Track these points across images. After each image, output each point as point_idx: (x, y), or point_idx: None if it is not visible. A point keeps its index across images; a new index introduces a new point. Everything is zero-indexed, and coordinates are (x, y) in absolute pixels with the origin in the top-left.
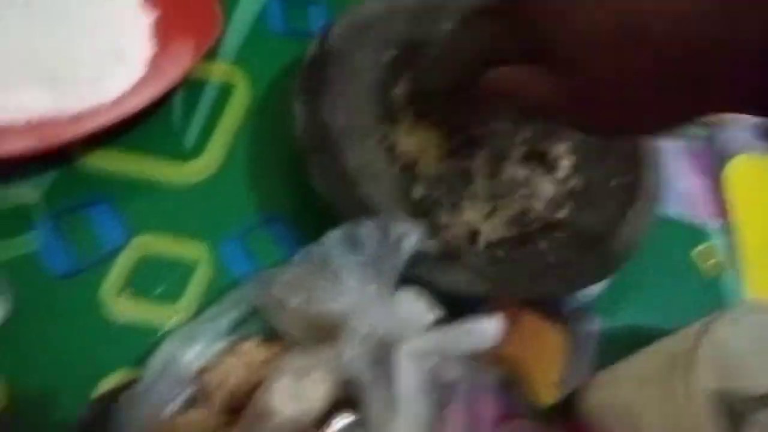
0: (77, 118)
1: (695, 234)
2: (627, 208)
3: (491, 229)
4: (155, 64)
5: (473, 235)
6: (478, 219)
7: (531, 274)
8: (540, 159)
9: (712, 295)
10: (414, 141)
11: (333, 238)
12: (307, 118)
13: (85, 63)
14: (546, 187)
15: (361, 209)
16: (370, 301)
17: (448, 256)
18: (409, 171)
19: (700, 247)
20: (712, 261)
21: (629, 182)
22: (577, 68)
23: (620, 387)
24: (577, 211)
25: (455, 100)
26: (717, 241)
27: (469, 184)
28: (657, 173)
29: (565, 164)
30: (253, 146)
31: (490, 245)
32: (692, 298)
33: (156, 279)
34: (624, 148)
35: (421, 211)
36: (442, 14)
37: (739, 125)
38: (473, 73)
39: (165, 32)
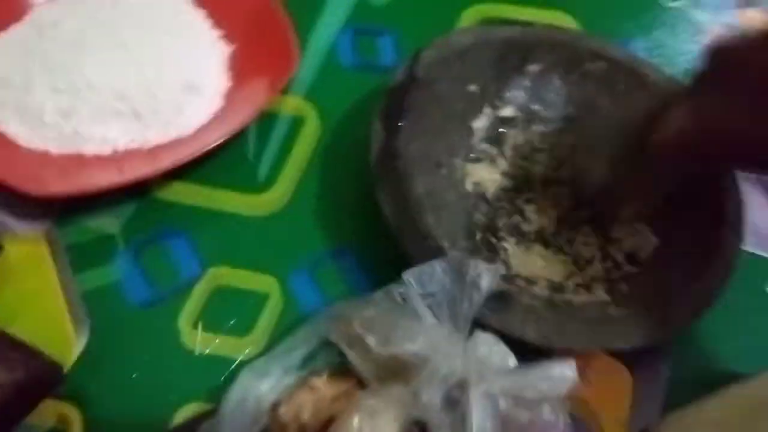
0: (157, 151)
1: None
2: (703, 266)
3: (550, 272)
4: (232, 97)
5: (530, 275)
6: (538, 259)
7: (590, 325)
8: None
9: None
10: (488, 170)
11: (411, 276)
12: (383, 143)
13: (166, 96)
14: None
15: (423, 238)
16: (445, 344)
17: (504, 295)
18: (476, 201)
19: None
20: None
21: (709, 239)
22: None
23: (695, 431)
24: (650, 266)
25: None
26: None
27: (534, 221)
28: (738, 229)
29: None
30: (323, 179)
31: (550, 289)
32: None
33: (229, 311)
34: (707, 200)
35: (483, 244)
36: (529, 51)
37: None
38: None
39: (240, 66)
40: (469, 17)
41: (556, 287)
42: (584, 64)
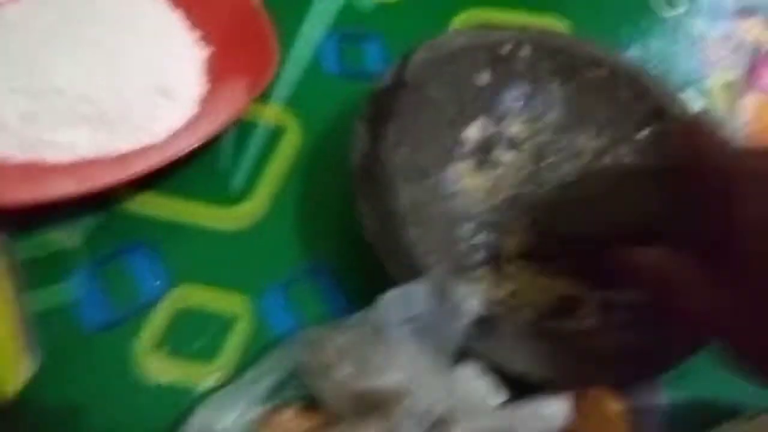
0: (123, 159)
1: None
2: None
3: (536, 294)
4: (207, 102)
5: (515, 298)
6: (524, 279)
7: (581, 355)
8: None
9: None
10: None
11: (388, 300)
12: (366, 149)
13: (135, 101)
14: None
15: (405, 255)
16: (426, 375)
17: (490, 320)
18: (462, 216)
19: None
20: None
21: None
22: (760, 271)
23: None
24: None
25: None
26: None
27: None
28: None
29: None
30: (302, 192)
31: (538, 315)
32: None
33: (194, 334)
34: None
35: (470, 264)
36: (526, 55)
37: None
38: (615, 236)
39: (218, 70)
40: (460, 22)
41: (544, 312)
42: (584, 71)
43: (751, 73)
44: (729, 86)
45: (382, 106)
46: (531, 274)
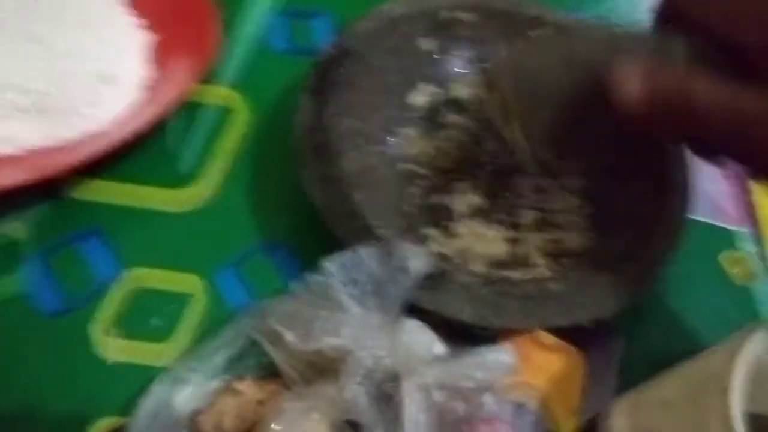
0: (68, 147)
1: (723, 238)
2: (649, 233)
3: (487, 248)
4: (150, 87)
5: (465, 253)
6: (474, 236)
7: (528, 301)
8: (556, 176)
9: (743, 306)
10: (423, 147)
11: (332, 264)
12: (311, 118)
13: (76, 89)
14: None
15: (352, 218)
16: (372, 332)
17: (437, 275)
18: (409, 179)
19: (729, 253)
20: (742, 268)
21: (654, 205)
22: None
23: (646, 413)
24: (592, 237)
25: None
26: (747, 247)
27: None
28: (685, 194)
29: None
30: (252, 171)
31: (488, 266)
32: (722, 309)
33: (148, 314)
34: (651, 169)
35: (417, 224)
36: (467, 19)
37: None
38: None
39: (161, 54)
40: None
41: (494, 264)
42: (527, 31)
43: None
44: None
45: (325, 76)
46: (479, 231)
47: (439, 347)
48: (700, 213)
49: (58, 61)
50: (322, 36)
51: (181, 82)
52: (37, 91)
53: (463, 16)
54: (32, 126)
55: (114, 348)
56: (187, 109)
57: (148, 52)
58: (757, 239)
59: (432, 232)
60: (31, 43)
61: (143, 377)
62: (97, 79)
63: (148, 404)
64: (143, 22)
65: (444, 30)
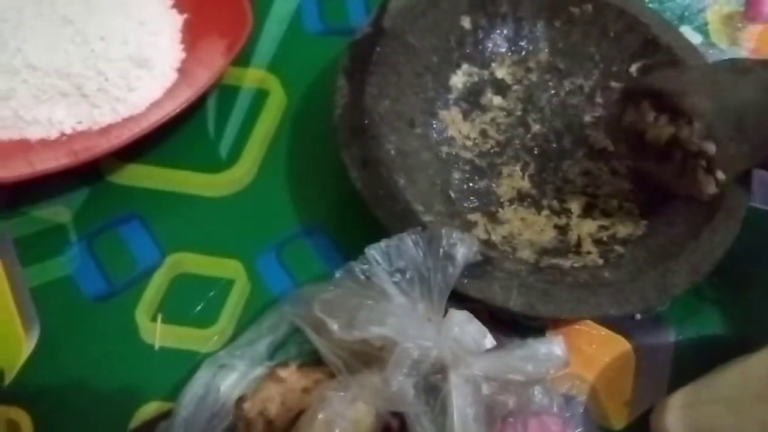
0: (109, 130)
1: None
2: (705, 221)
3: (535, 235)
4: (185, 69)
5: (512, 240)
6: (522, 222)
7: (579, 290)
8: (605, 160)
9: None
10: (466, 130)
11: (376, 251)
12: (348, 100)
13: (114, 73)
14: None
15: (395, 202)
16: (418, 323)
17: (483, 262)
18: (453, 163)
19: None
20: None
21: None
22: None
23: (704, 411)
24: (645, 224)
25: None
26: None
27: (516, 182)
28: (745, 180)
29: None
30: (289, 154)
31: (537, 253)
32: None
33: (192, 300)
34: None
35: (462, 209)
36: (501, 1)
37: None
38: None
39: (194, 35)
40: None
41: (543, 251)
42: (569, 7)
43: (750, 4)
44: (728, 18)
45: (361, 57)
46: (527, 217)
47: (489, 339)
48: (758, 200)
49: (92, 46)
50: (355, 15)
51: (214, 62)
52: (76, 75)
53: None
54: (69, 109)
55: (159, 333)
56: (223, 92)
57: (180, 34)
58: None
59: (478, 217)
60: (63, 27)
61: (188, 362)
62: (131, 62)
63: (193, 390)
64: (173, 3)
65: (482, 8)
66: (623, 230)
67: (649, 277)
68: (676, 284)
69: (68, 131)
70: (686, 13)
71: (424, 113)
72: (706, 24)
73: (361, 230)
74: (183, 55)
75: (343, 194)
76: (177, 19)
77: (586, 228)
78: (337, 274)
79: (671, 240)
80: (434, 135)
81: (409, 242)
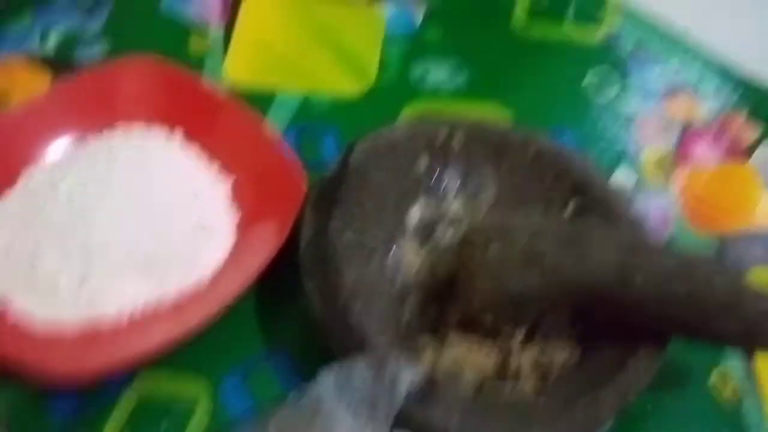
0: (182, 305)
1: (712, 354)
2: (629, 355)
3: (479, 359)
4: (244, 230)
5: (458, 363)
6: (467, 346)
7: (515, 415)
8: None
9: (733, 427)
10: (421, 260)
11: (326, 377)
12: (313, 232)
13: (179, 242)
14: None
15: (349, 330)
16: None
17: (429, 386)
18: (408, 290)
19: (718, 370)
20: (730, 386)
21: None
22: None
23: None
24: (579, 352)
25: None
26: (735, 365)
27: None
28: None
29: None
30: (257, 281)
31: (481, 377)
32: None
33: (157, 421)
34: None
35: (412, 336)
36: (459, 143)
37: (752, 237)
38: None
39: (244, 194)
40: (410, 111)
41: (486, 376)
42: (512, 154)
43: (681, 148)
44: (660, 161)
45: (328, 192)
46: (473, 341)
47: None
48: None
49: (154, 218)
50: (330, 152)
51: (269, 228)
52: (145, 249)
53: (455, 139)
54: (145, 282)
55: None
56: None
57: (231, 195)
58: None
59: (428, 341)
60: (125, 202)
61: None
62: (194, 229)
63: None
64: (220, 165)
65: (437, 151)
66: (558, 357)
67: (580, 406)
68: (602, 415)
69: (140, 307)
70: (622, 157)
71: (382, 244)
72: (641, 165)
73: (321, 356)
74: (238, 215)
75: (306, 321)
76: (227, 182)
77: (527, 353)
78: (291, 396)
79: (602, 369)
80: (391, 264)
81: (360, 366)
